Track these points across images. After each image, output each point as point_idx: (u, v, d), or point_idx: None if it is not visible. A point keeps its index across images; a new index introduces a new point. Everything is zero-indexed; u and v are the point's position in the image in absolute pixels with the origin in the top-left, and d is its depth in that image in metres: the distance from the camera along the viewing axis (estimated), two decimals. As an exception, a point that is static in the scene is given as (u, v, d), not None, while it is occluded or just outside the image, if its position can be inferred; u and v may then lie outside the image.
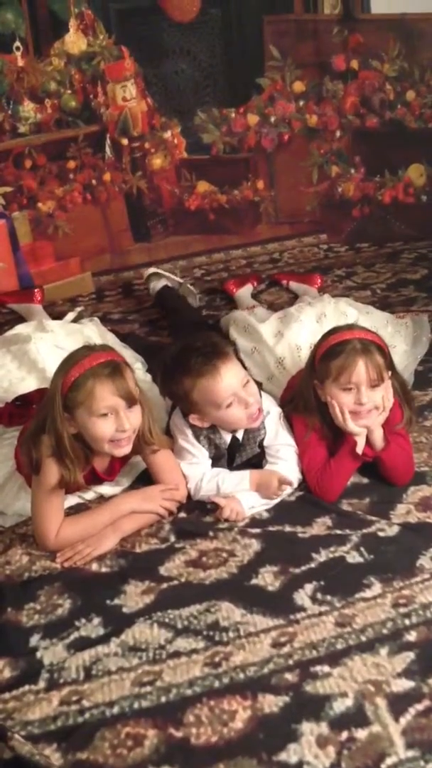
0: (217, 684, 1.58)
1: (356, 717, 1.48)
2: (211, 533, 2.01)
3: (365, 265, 3.72)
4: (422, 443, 2.29)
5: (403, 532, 1.95)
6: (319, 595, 1.78)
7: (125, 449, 1.97)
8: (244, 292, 3.37)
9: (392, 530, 1.96)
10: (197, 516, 2.09)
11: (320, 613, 1.73)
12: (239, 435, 2.15)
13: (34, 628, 1.76)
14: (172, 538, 2.01)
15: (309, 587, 1.80)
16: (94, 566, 1.93)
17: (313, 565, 1.87)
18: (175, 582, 1.86)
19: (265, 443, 2.17)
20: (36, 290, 3.43)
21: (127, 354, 2.46)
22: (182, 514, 2.10)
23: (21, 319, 3.19)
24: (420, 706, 1.49)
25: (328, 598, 1.77)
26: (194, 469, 2.13)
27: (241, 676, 1.59)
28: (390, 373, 2.09)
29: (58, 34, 3.49)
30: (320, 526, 2.00)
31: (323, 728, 1.46)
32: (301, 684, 1.56)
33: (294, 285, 3.42)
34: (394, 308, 3.09)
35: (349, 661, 1.60)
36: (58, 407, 1.92)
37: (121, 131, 3.68)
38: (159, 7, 3.62)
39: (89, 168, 3.66)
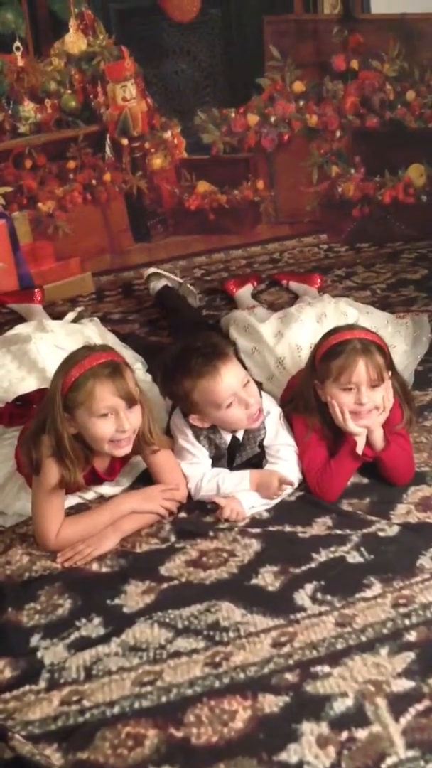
0: (217, 684, 1.58)
1: (356, 717, 1.48)
2: (211, 533, 2.01)
3: (365, 265, 3.72)
4: (422, 443, 2.29)
5: (404, 532, 1.95)
6: (319, 595, 1.78)
7: (125, 449, 1.98)
8: (244, 292, 3.37)
9: (392, 530, 1.96)
10: (197, 516, 2.09)
11: (320, 613, 1.73)
12: (239, 435, 2.15)
13: (35, 628, 1.76)
14: (173, 538, 2.01)
15: (309, 587, 1.80)
16: (95, 566, 1.93)
17: (313, 565, 1.87)
18: (176, 582, 1.86)
19: (265, 443, 2.17)
20: (36, 290, 3.43)
21: (128, 354, 2.46)
22: (182, 514, 2.10)
23: (21, 319, 3.19)
24: (420, 706, 1.49)
25: (329, 598, 1.77)
26: (194, 469, 2.13)
27: (242, 676, 1.60)
28: (390, 373, 2.09)
29: (58, 34, 3.49)
30: (320, 526, 2.00)
31: (323, 728, 1.47)
32: (302, 684, 1.56)
33: (294, 285, 3.43)
34: (394, 308, 3.09)
35: (349, 661, 1.60)
36: (58, 407, 1.92)
37: (121, 131, 3.68)
38: (159, 7, 3.62)
39: (89, 168, 3.66)
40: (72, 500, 2.12)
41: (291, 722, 1.48)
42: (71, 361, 1.96)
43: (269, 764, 1.41)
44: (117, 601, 1.81)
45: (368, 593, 1.77)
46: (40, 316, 3.10)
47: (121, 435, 1.93)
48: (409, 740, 1.43)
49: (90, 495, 2.15)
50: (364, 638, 1.66)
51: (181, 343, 2.15)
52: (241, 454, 2.18)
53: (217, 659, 1.64)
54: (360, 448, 2.08)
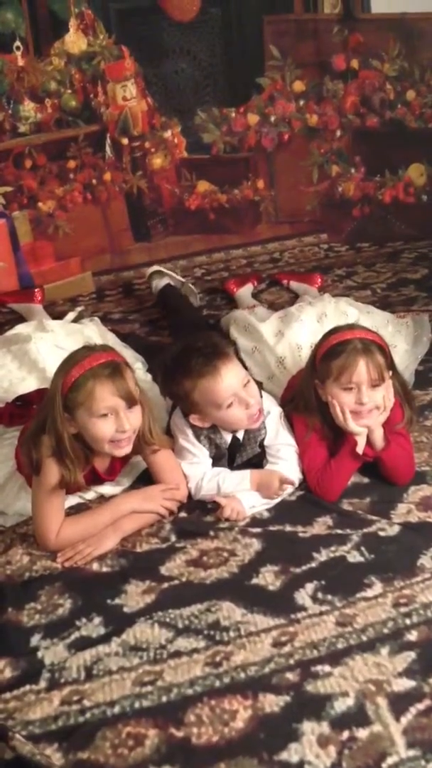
0: (218, 683, 1.58)
1: (357, 716, 1.48)
2: (211, 533, 2.01)
3: (365, 265, 3.72)
4: (423, 443, 2.28)
5: (404, 532, 1.95)
6: (319, 595, 1.78)
7: (125, 449, 1.98)
8: (245, 292, 3.37)
9: (393, 530, 1.96)
10: (198, 516, 2.09)
11: (321, 613, 1.73)
12: (240, 435, 2.15)
13: (35, 628, 1.76)
14: (173, 538, 2.01)
15: (310, 587, 1.80)
16: (95, 566, 1.93)
17: (313, 564, 1.87)
18: (176, 581, 1.86)
19: (265, 443, 2.17)
20: (36, 290, 3.43)
21: (128, 354, 2.46)
22: (183, 514, 2.10)
23: (21, 319, 3.19)
24: (421, 706, 1.49)
25: (329, 597, 1.77)
26: (195, 469, 2.13)
27: (242, 675, 1.59)
28: (391, 372, 2.09)
29: (58, 34, 3.49)
30: (321, 525, 2.00)
31: (324, 728, 1.46)
32: (302, 683, 1.56)
33: (294, 284, 3.42)
34: (394, 308, 3.09)
35: (350, 661, 1.60)
36: (58, 407, 1.92)
37: (121, 131, 3.68)
38: (159, 6, 3.62)
39: (89, 168, 3.66)
40: (72, 500, 2.12)
41: (292, 722, 1.48)
42: (71, 361, 1.96)
43: (270, 764, 1.41)
44: (117, 600, 1.81)
45: (369, 593, 1.77)
46: (41, 316, 3.10)
47: (121, 435, 1.93)
48: (409, 740, 1.43)
49: (90, 495, 2.15)
50: (364, 638, 1.66)
51: (182, 343, 2.15)
52: (241, 453, 2.18)
53: (218, 659, 1.64)
54: (360, 448, 2.08)
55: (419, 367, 2.64)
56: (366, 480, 2.16)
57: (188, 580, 1.86)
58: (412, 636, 1.65)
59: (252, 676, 1.59)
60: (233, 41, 3.77)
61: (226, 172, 3.88)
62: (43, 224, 3.62)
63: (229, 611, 1.75)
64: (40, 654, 1.69)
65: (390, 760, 1.40)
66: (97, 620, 1.76)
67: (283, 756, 1.42)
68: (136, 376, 2.04)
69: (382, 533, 1.95)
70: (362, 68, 3.84)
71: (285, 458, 2.14)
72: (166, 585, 1.85)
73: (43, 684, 1.61)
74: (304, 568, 1.86)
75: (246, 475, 2.10)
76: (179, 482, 2.10)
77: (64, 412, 1.92)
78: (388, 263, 3.71)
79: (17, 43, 3.40)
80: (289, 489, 2.10)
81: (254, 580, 1.84)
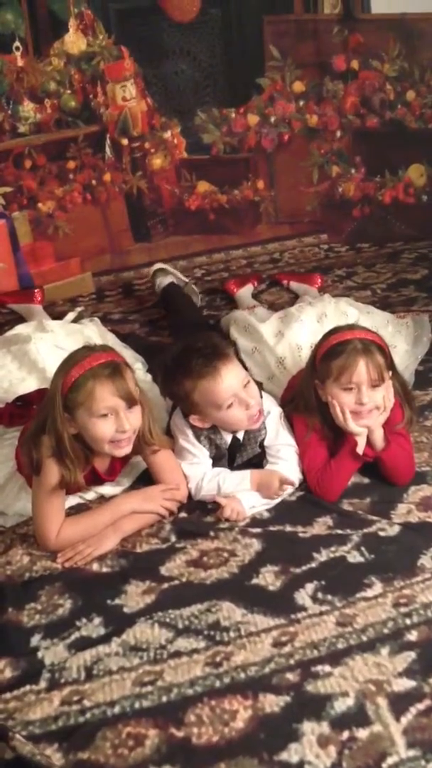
0: (218, 684, 1.58)
1: (357, 716, 1.48)
2: (211, 533, 2.01)
3: (366, 265, 3.72)
4: (423, 443, 2.29)
5: (404, 532, 1.95)
6: (320, 595, 1.78)
7: (125, 450, 1.98)
8: (245, 292, 3.37)
9: (393, 530, 1.96)
10: (198, 516, 2.09)
11: (321, 613, 1.73)
12: (240, 435, 2.15)
13: (35, 628, 1.76)
14: (173, 538, 2.01)
15: (310, 587, 1.80)
16: (95, 566, 1.93)
17: (313, 564, 1.87)
18: (176, 582, 1.86)
19: (265, 443, 2.17)
20: (36, 290, 3.43)
21: (128, 354, 2.46)
22: (183, 514, 2.10)
23: (21, 319, 3.19)
24: (421, 706, 1.49)
25: (329, 597, 1.77)
26: (195, 469, 2.13)
27: (242, 675, 1.59)
28: (391, 373, 2.09)
29: (57, 34, 3.49)
30: (321, 525, 2.00)
31: (324, 728, 1.46)
32: (302, 684, 1.56)
33: (294, 285, 3.42)
34: (394, 308, 3.09)
35: (350, 661, 1.60)
36: (58, 408, 1.92)
37: (121, 131, 3.68)
38: (159, 7, 3.62)
39: (89, 168, 3.66)
40: (72, 500, 2.12)
41: (292, 722, 1.48)
42: (71, 361, 1.96)
43: (270, 764, 1.41)
44: (117, 601, 1.81)
45: (369, 593, 1.77)
46: (40, 317, 3.10)
47: (121, 435, 1.93)
48: (409, 740, 1.43)
49: (90, 495, 2.15)
50: (364, 638, 1.66)
51: (182, 344, 2.15)
52: (241, 454, 2.18)
53: (218, 659, 1.64)
54: (360, 448, 2.08)
55: (419, 367, 2.64)
56: (366, 480, 2.16)
57: (188, 581, 1.86)
58: (412, 636, 1.65)
59: (252, 676, 1.59)
60: (233, 42, 3.77)
61: (226, 172, 3.88)
62: (42, 225, 3.62)
63: (229, 611, 1.75)
64: (40, 654, 1.69)
65: (390, 760, 1.40)
66: (97, 620, 1.76)
67: (283, 756, 1.42)
68: (136, 377, 2.04)
69: (382, 533, 1.95)
70: (362, 69, 3.84)
71: (285, 458, 2.14)
72: (166, 585, 1.85)
73: (43, 684, 1.61)
74: (304, 568, 1.86)
75: (246, 475, 2.10)
76: (179, 482, 2.10)
77: (64, 412, 1.92)
78: (388, 264, 3.71)
79: (17, 43, 3.40)
80: (289, 489, 2.10)
81: (254, 581, 1.84)
